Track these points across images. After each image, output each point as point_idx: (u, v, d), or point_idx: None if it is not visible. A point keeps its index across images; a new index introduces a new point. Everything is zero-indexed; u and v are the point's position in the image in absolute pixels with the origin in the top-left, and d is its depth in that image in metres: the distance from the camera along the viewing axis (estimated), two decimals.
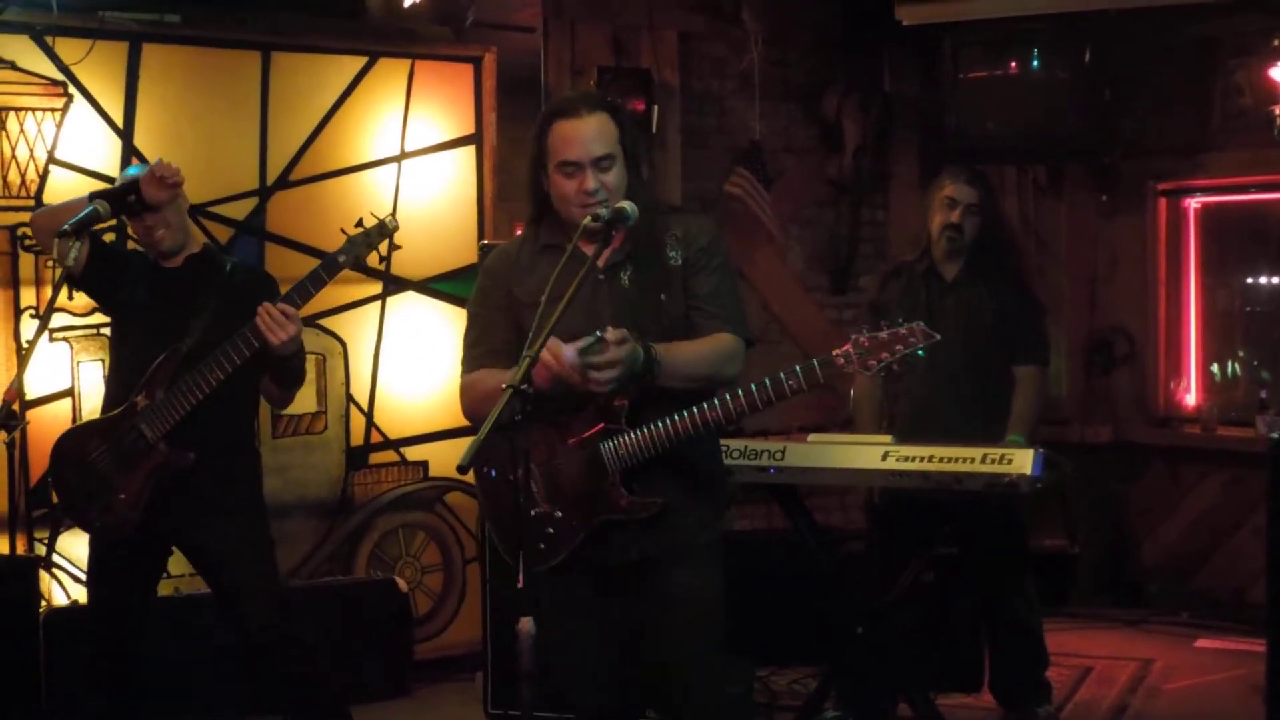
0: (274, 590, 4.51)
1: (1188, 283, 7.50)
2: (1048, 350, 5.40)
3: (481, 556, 5.66)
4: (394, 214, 5.88)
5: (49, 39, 5.41)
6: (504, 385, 2.99)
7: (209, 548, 4.39)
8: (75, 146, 5.51)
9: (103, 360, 5.24)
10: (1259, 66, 6.81)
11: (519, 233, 3.78)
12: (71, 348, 5.50)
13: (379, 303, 6.09)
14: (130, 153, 5.53)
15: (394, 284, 6.06)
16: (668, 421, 3.37)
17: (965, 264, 5.20)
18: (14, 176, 5.41)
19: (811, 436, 4.80)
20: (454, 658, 6.14)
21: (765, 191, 7.05)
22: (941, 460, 4.46)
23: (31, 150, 5.43)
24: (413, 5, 6.08)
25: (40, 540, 5.41)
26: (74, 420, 5.39)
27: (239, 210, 5.81)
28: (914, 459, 4.50)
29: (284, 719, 4.56)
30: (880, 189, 7.63)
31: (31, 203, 5.40)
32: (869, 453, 4.62)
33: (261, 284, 4.43)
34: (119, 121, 5.58)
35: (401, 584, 5.91)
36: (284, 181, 5.91)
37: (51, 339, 5.44)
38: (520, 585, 3.08)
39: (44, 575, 5.33)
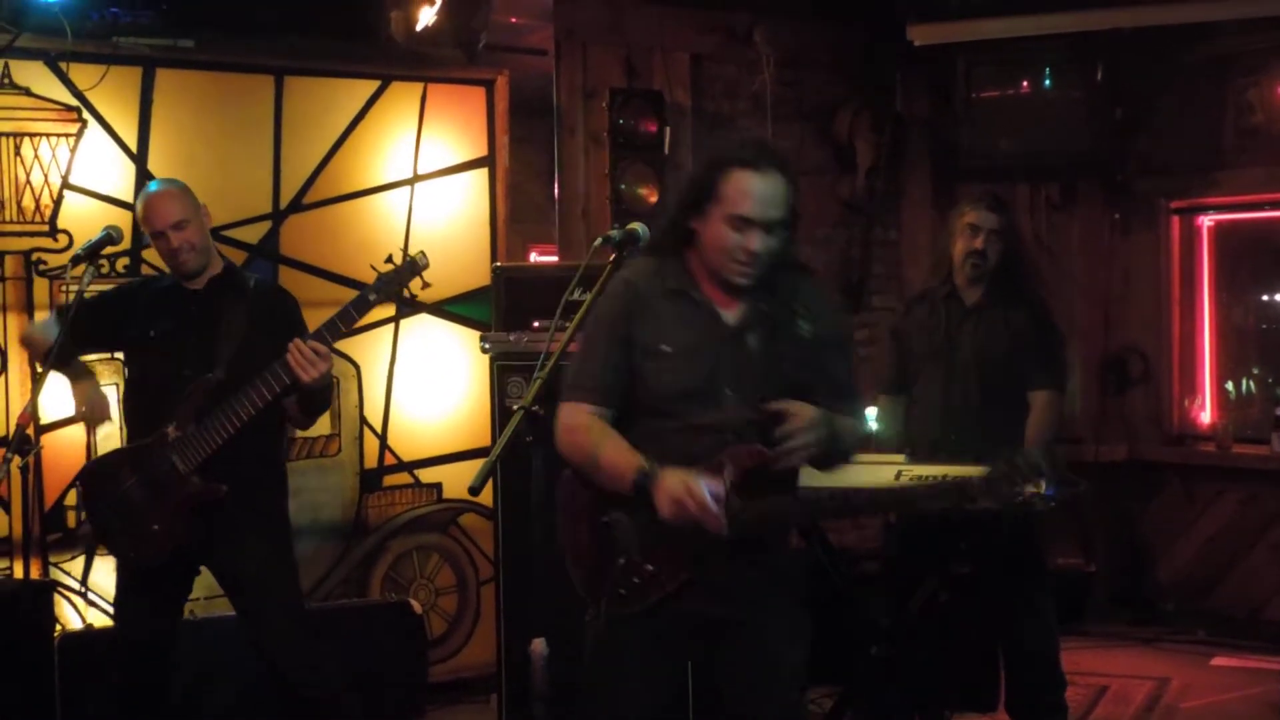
0: (297, 612, 4.53)
1: (1201, 300, 7.48)
2: (1065, 375, 5.38)
3: (496, 578, 5.65)
4: (407, 238, 5.99)
5: (63, 65, 5.43)
6: (515, 406, 2.98)
7: (236, 568, 4.42)
8: (89, 171, 5.54)
9: (117, 385, 5.25)
10: (1271, 85, 6.83)
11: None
12: None
13: (393, 325, 6.11)
14: (144, 177, 5.54)
15: (408, 306, 6.06)
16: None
17: (986, 289, 5.20)
18: (29, 201, 5.44)
19: None
20: (468, 680, 6.13)
21: None
22: (954, 479, 4.45)
23: (46, 175, 5.46)
24: (425, 29, 6.10)
25: (55, 564, 5.43)
26: (88, 444, 5.42)
27: (253, 234, 5.83)
28: (927, 478, 4.50)
29: None
30: (893, 209, 7.63)
31: (46, 228, 5.44)
32: (882, 472, 4.62)
33: (283, 303, 4.50)
34: (133, 146, 5.61)
35: (416, 606, 5.89)
36: (297, 205, 5.93)
37: None
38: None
39: (58, 599, 5.33)
